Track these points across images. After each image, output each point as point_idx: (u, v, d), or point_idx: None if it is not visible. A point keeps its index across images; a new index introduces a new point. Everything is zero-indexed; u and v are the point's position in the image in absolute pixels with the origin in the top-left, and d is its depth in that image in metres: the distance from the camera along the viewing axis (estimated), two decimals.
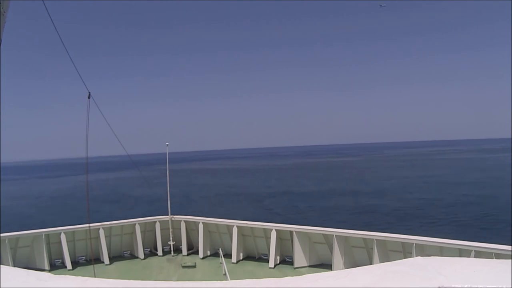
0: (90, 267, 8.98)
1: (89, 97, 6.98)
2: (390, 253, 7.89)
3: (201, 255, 9.94)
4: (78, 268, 9.37)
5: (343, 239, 8.46)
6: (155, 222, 10.54)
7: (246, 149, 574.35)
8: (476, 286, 1.82)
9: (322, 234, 8.81)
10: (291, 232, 9.01)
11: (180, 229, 10.44)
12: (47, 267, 9.08)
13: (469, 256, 6.47)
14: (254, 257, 9.70)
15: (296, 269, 8.75)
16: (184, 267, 9.30)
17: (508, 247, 6.23)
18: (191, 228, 10.56)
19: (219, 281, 2.84)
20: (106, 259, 9.61)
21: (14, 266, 8.21)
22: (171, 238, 10.31)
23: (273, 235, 9.08)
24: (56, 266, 9.40)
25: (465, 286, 1.83)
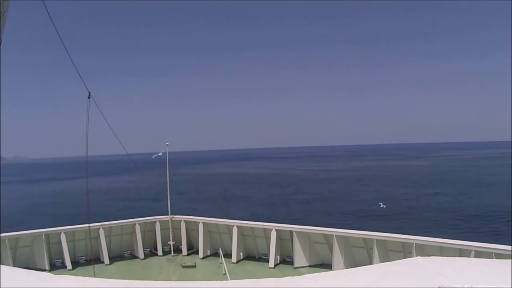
0: (90, 267, 8.97)
1: (89, 97, 6.99)
2: (390, 253, 7.90)
3: (201, 255, 9.94)
4: (78, 268, 9.37)
5: (343, 239, 8.45)
6: (155, 222, 10.54)
7: (283, 148, 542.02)
8: (476, 286, 1.82)
9: (322, 234, 8.80)
10: (291, 232, 9.01)
11: (180, 229, 10.44)
12: (47, 267, 9.07)
13: (469, 256, 6.48)
14: (254, 257, 9.70)
15: (296, 269, 8.75)
16: (184, 267, 9.30)
17: (508, 247, 6.24)
18: (191, 228, 10.56)
19: (219, 281, 2.83)
20: (106, 259, 9.61)
21: (14, 266, 8.20)
22: (171, 238, 10.31)
23: (273, 235, 9.08)
24: (56, 266, 9.40)
25: (465, 286, 1.83)
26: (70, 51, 6.76)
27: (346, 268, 7.18)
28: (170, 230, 10.38)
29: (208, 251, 10.12)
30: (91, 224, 9.26)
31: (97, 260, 9.54)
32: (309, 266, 8.84)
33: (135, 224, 10.26)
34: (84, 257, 9.78)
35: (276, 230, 9.17)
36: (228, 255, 9.54)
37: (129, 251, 10.34)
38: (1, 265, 2.38)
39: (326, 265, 8.70)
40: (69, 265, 9.21)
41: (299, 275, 2.19)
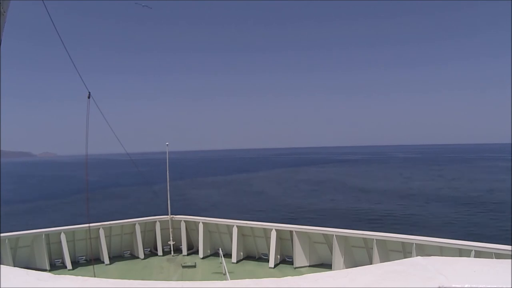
0: (90, 267, 8.98)
1: (89, 97, 7.00)
2: (390, 253, 7.90)
3: (201, 255, 9.94)
4: (78, 268, 9.37)
5: (343, 239, 8.46)
6: (155, 222, 10.55)
7: (347, 147, 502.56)
8: (476, 286, 1.82)
9: (322, 234, 8.81)
10: (291, 232, 9.02)
11: (180, 229, 10.45)
12: (47, 267, 9.07)
13: (469, 256, 6.48)
14: (254, 257, 9.71)
15: (296, 269, 8.75)
16: (184, 267, 9.30)
17: (508, 247, 6.24)
18: (191, 228, 10.56)
19: (219, 281, 2.83)
20: (106, 259, 9.61)
21: (14, 266, 8.21)
22: (171, 238, 10.31)
23: (273, 235, 9.08)
24: (56, 266, 9.40)
25: (465, 286, 1.82)
26: (71, 48, 6.76)
27: (346, 268, 7.19)
28: (170, 230, 10.38)
29: (208, 251, 10.13)
30: (91, 224, 9.27)
31: (97, 260, 9.53)
32: (309, 266, 8.84)
33: (135, 224, 10.27)
34: (84, 257, 9.78)
35: (276, 230, 9.17)
36: (228, 255, 9.54)
37: (129, 251, 10.34)
38: (1, 265, 2.38)
39: (326, 265, 8.70)
40: (69, 265, 9.21)
41: (299, 275, 2.18)
